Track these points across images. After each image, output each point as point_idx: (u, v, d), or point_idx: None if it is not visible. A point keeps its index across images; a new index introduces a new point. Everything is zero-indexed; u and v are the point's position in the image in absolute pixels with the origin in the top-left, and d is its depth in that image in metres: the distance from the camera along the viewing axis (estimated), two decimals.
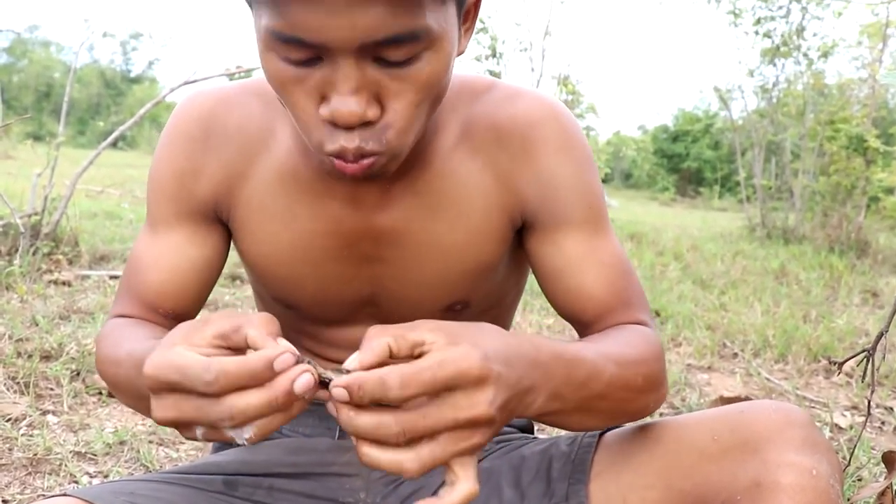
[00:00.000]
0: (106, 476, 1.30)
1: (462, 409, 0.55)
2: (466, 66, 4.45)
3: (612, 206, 12.43)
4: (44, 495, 1.21)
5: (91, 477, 1.29)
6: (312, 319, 0.90)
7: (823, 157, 6.74)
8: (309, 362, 0.55)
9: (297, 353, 0.55)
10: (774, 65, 7.39)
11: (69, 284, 2.71)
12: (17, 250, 2.78)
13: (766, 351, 2.63)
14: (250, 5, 0.66)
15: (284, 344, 0.56)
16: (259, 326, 0.57)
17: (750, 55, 8.95)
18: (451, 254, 0.81)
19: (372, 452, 0.55)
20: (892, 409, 2.09)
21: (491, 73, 4.23)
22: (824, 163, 6.71)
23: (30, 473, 1.28)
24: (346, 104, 0.62)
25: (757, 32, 6.87)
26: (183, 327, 0.58)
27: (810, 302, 3.60)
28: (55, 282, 2.72)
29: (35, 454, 1.32)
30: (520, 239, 0.84)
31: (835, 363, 1.04)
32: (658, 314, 3.06)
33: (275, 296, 0.90)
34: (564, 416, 0.68)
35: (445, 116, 0.79)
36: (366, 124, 0.64)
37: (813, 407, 2.07)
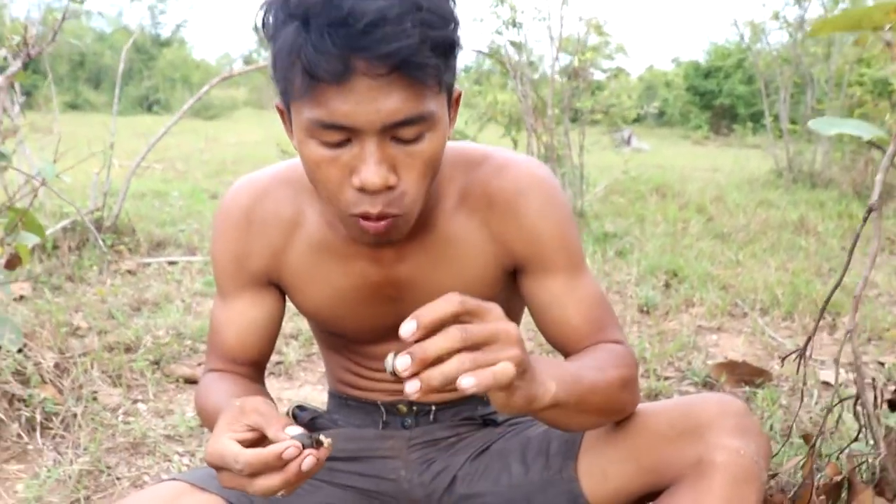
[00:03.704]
0: (192, 455, 1.57)
1: (502, 346, 0.71)
2: (485, 40, 4.61)
3: (643, 150, 12.44)
4: (147, 473, 1.48)
5: (181, 456, 1.57)
6: (353, 341, 1.15)
7: (852, 99, 6.75)
8: (309, 435, 0.78)
9: (303, 437, 0.77)
10: (799, 4, 7.36)
11: (133, 273, 3.00)
12: (83, 245, 3.06)
13: (774, 309, 2.82)
14: (288, 106, 0.88)
15: (291, 432, 0.78)
16: (274, 425, 0.79)
17: None
18: None
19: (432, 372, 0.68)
20: (883, 364, 2.28)
21: (512, 43, 4.37)
22: (852, 103, 6.73)
23: (132, 455, 1.55)
24: (373, 173, 0.83)
25: None
26: (227, 414, 0.82)
27: (826, 254, 3.74)
28: (119, 271, 3.00)
29: (134, 438, 1.60)
30: (515, 278, 1.05)
31: (782, 359, 1.24)
32: (675, 274, 3.25)
33: (323, 329, 1.16)
34: (569, 413, 0.87)
35: (446, 185, 1.01)
36: (387, 190, 0.85)
37: (834, 365, 2.26)
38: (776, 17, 7.68)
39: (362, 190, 0.84)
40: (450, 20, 0.81)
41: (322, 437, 0.79)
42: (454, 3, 0.83)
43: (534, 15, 4.32)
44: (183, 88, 21.32)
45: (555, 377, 0.83)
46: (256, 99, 21.85)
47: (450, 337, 0.70)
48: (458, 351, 0.70)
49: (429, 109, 0.83)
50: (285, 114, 0.92)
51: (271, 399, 1.12)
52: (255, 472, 0.77)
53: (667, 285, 3.12)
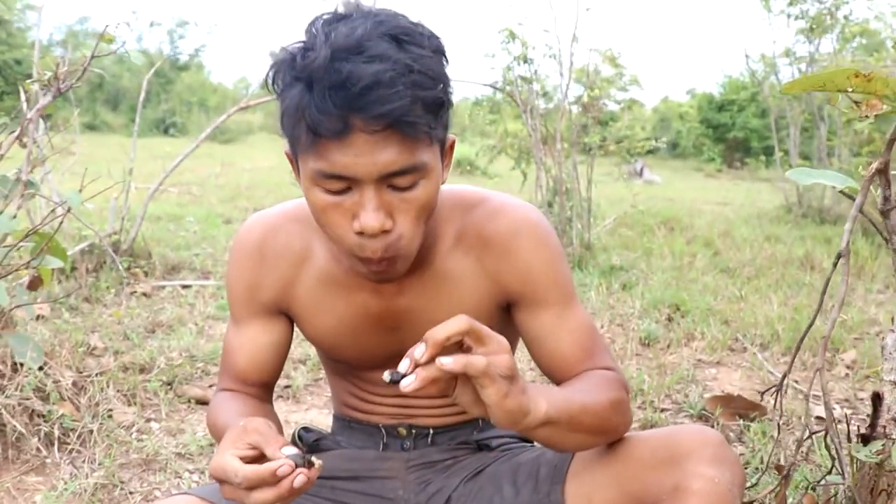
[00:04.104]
0: (202, 472, 1.64)
1: (495, 350, 0.82)
2: (497, 75, 4.71)
3: (655, 182, 12.50)
4: (158, 489, 1.55)
5: (191, 473, 1.64)
6: (356, 367, 1.22)
7: (861, 135, 6.79)
8: (302, 455, 0.86)
9: (297, 457, 0.85)
10: (810, 41, 7.45)
11: (148, 296, 3.09)
12: (100, 267, 3.16)
13: (774, 344, 2.86)
14: (296, 157, 0.96)
15: (286, 452, 0.86)
16: (272, 445, 0.87)
17: (785, 33, 8.99)
18: None
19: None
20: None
21: (522, 78, 4.47)
22: (862, 140, 6.77)
23: (144, 470, 1.63)
24: (371, 219, 0.91)
25: (789, 15, 6.93)
26: (232, 433, 0.91)
27: (829, 291, 3.78)
28: (135, 293, 3.09)
29: (147, 455, 1.67)
30: (510, 311, 1.13)
31: (762, 393, 1.30)
32: (678, 308, 3.30)
33: (328, 355, 1.23)
34: (562, 431, 0.94)
35: (443, 226, 1.09)
36: (384, 233, 0.93)
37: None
38: (787, 53, 7.77)
39: (361, 233, 0.93)
40: (439, 81, 0.90)
41: (314, 459, 0.87)
42: (446, 61, 0.92)
43: (545, 52, 4.42)
44: (200, 112, 21.60)
45: (546, 397, 0.91)
46: (272, 124, 22.05)
47: (459, 321, 0.82)
48: (463, 336, 0.81)
49: (421, 160, 0.91)
50: (294, 162, 1.00)
51: (277, 418, 1.19)
52: (252, 485, 0.85)
53: (669, 319, 3.17)
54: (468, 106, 8.43)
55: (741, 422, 2.03)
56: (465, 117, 7.51)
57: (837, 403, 2.28)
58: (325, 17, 0.92)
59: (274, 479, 0.85)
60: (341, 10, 0.92)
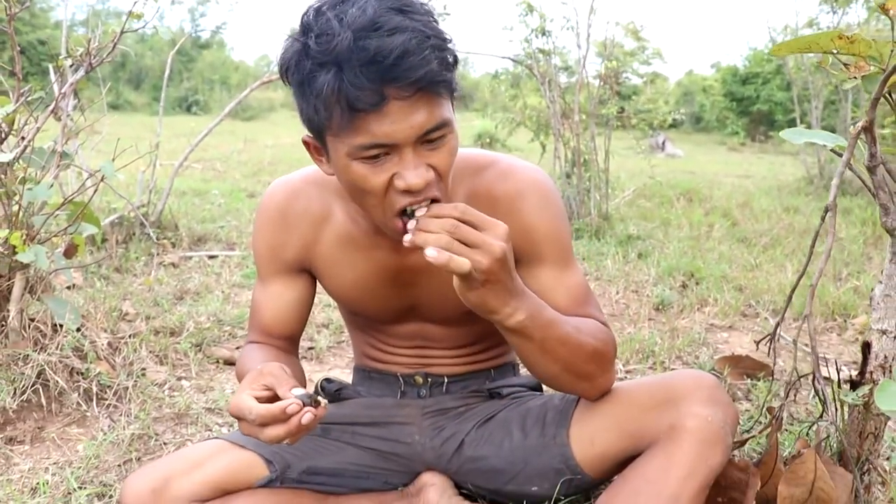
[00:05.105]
0: (231, 426, 1.74)
1: (488, 235, 0.93)
2: (515, 48, 4.74)
3: (677, 156, 12.45)
4: (190, 440, 1.65)
5: (220, 426, 1.73)
6: (375, 320, 1.30)
7: (885, 106, 6.73)
8: (310, 395, 0.95)
9: (305, 397, 0.95)
10: (834, 11, 7.36)
11: (176, 266, 3.20)
12: (130, 238, 3.27)
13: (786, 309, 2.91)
14: (323, 142, 1.02)
15: (296, 392, 0.96)
16: (283, 386, 0.97)
17: (809, 3, 8.88)
18: None
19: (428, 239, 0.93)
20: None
21: (541, 51, 4.50)
22: (886, 111, 6.72)
23: (177, 424, 1.73)
24: (415, 176, 0.98)
25: None
26: (249, 375, 1.01)
27: (845, 260, 3.81)
28: (163, 263, 3.20)
29: (178, 410, 1.77)
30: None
31: (757, 342, 1.37)
32: (693, 275, 3.35)
33: (348, 309, 1.32)
34: (533, 349, 1.03)
35: (455, 187, 1.16)
36: (426, 186, 1.00)
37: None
38: (811, 24, 7.69)
39: (408, 191, 0.99)
40: (448, 39, 0.97)
41: (320, 399, 0.96)
42: (438, 21, 0.98)
43: (562, 24, 4.44)
44: (221, 90, 21.74)
45: (531, 312, 1.00)
46: (293, 101, 22.06)
47: (453, 206, 0.94)
48: (457, 219, 0.93)
49: (446, 116, 0.98)
50: (312, 145, 1.06)
51: (300, 368, 1.28)
52: (265, 422, 0.95)
53: (683, 286, 3.23)
54: (488, 80, 8.45)
55: (749, 381, 2.09)
56: (486, 92, 7.52)
57: (845, 365, 2.33)
58: (321, 4, 0.96)
59: (284, 417, 0.94)
60: None
